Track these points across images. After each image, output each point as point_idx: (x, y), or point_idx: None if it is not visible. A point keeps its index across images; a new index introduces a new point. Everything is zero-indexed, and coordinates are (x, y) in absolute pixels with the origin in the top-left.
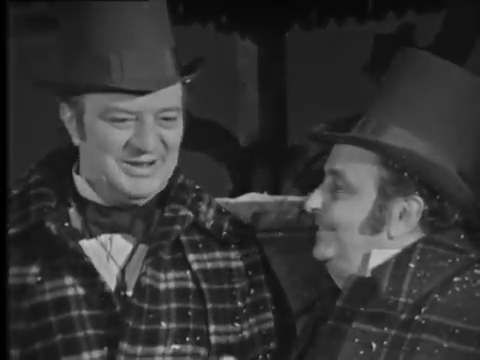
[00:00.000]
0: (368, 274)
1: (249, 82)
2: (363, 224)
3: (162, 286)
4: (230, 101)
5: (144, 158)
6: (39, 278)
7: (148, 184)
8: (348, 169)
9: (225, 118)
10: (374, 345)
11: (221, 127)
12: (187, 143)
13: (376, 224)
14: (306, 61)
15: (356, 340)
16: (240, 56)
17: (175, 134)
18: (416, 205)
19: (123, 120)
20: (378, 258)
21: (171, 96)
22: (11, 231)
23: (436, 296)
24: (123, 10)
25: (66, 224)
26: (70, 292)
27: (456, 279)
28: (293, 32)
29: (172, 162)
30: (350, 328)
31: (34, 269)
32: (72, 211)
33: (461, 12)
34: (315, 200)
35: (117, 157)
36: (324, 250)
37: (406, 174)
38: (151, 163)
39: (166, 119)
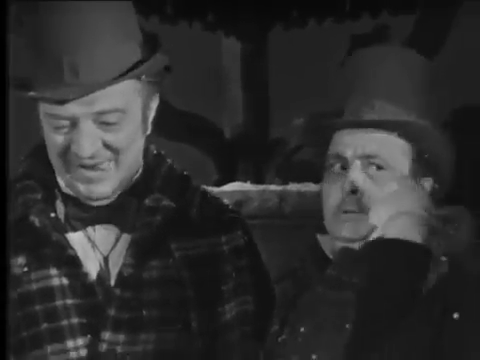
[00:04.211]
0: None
1: (233, 79)
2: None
3: (145, 275)
4: (215, 97)
5: (86, 162)
6: (26, 268)
7: (100, 188)
8: (383, 150)
9: (211, 113)
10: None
11: (208, 122)
12: (177, 136)
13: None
14: (287, 59)
15: (340, 307)
16: (225, 54)
17: (121, 137)
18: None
19: (60, 126)
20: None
21: (111, 97)
22: None
23: None
24: (80, 8)
25: (52, 215)
26: (55, 282)
27: None
28: (275, 31)
29: (131, 162)
30: (336, 296)
31: (21, 260)
32: (58, 202)
33: (432, 15)
34: (361, 180)
35: (62, 162)
36: (354, 234)
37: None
38: (99, 165)
39: (107, 123)
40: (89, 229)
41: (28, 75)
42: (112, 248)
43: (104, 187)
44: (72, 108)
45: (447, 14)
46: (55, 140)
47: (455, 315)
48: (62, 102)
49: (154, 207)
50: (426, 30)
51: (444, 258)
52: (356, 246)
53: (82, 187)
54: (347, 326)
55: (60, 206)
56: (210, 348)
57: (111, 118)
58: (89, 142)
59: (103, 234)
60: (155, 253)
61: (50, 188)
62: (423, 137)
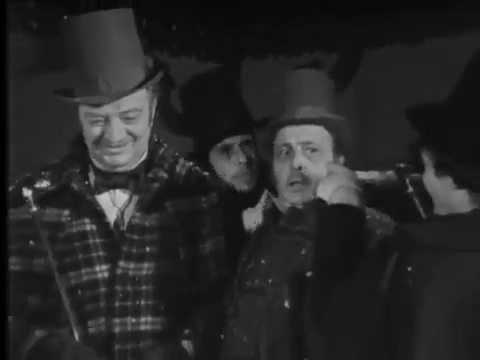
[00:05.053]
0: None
1: None
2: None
3: (147, 223)
4: None
5: (114, 145)
6: (69, 218)
7: (120, 158)
8: (315, 138)
9: None
10: (301, 250)
11: None
12: (177, 131)
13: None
14: (255, 81)
15: (287, 248)
16: None
17: (139, 127)
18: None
19: (96, 121)
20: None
21: (132, 101)
22: (51, 187)
23: None
24: (105, 37)
25: (86, 182)
26: (88, 228)
27: None
28: (246, 61)
29: (142, 144)
30: (285, 239)
31: (66, 212)
32: (91, 174)
33: (351, 53)
34: (303, 160)
35: (96, 145)
36: (301, 199)
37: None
38: (122, 146)
39: (129, 118)
40: (111, 192)
41: (72, 87)
42: (126, 205)
43: (122, 157)
44: (105, 109)
45: (355, 59)
46: (92, 131)
47: (409, 268)
48: (98, 105)
49: (153, 178)
50: (347, 65)
51: (387, 220)
52: (300, 206)
53: (107, 158)
54: (290, 267)
55: (92, 176)
56: (194, 272)
57: (132, 115)
58: (117, 132)
59: (120, 195)
60: (154, 209)
61: (85, 164)
62: (339, 128)
